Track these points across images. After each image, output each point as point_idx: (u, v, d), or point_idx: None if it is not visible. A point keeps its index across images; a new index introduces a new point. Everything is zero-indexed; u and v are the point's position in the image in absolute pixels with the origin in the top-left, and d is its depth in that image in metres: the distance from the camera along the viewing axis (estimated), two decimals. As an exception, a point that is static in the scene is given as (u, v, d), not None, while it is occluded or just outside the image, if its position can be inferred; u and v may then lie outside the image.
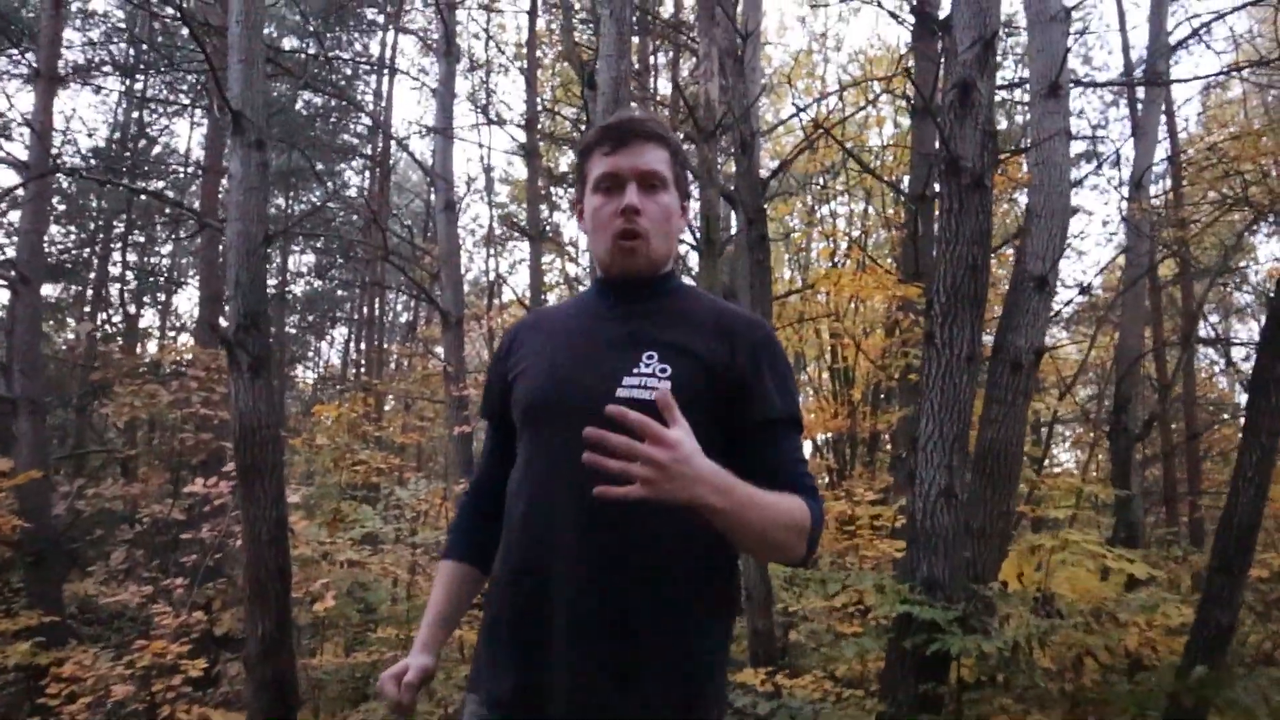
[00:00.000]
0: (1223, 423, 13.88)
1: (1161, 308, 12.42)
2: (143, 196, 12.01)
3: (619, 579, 1.41)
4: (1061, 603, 4.97)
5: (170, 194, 17.47)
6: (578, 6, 12.27)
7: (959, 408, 4.24)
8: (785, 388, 1.53)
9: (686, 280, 1.92)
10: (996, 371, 5.29)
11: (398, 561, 8.09)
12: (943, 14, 7.25)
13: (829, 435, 12.45)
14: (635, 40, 12.55)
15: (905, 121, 12.90)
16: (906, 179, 9.71)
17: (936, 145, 7.70)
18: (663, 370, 1.46)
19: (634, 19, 11.54)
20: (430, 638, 1.63)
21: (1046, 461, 11.35)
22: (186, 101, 14.98)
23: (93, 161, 14.39)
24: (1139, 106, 10.54)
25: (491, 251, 16.91)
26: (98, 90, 16.31)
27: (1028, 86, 11.23)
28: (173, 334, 18.09)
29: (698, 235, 5.84)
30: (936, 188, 8.02)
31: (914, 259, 7.52)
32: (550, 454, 1.50)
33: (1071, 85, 6.38)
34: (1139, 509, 9.48)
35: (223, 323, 5.99)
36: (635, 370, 1.47)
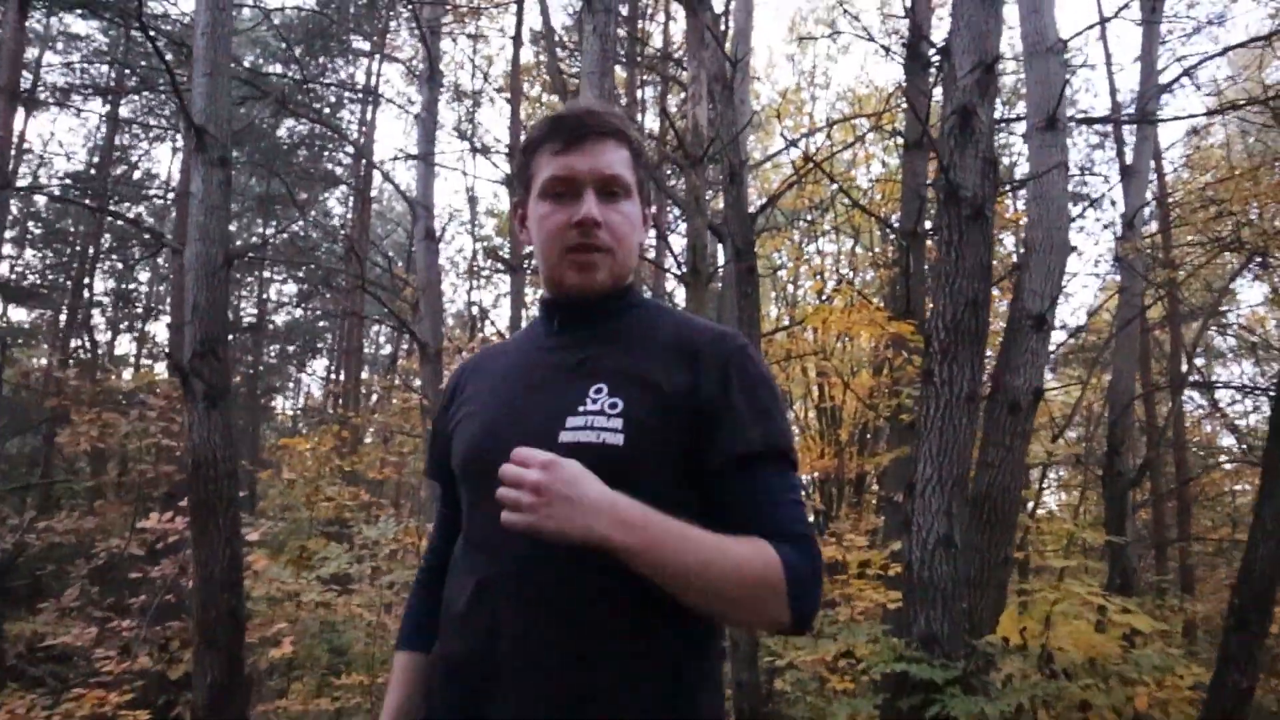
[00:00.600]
0: (1213, 467, 13.72)
1: (1149, 350, 12.31)
2: (116, 221, 11.70)
3: (578, 663, 1.16)
4: (1064, 659, 4.70)
5: (150, 219, 17.24)
6: (566, 39, 12.16)
7: (959, 450, 3.99)
8: (763, 413, 1.24)
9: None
10: (994, 413, 5.06)
11: (367, 603, 7.72)
12: (935, 48, 7.12)
13: (815, 476, 12.20)
14: (623, 75, 12.45)
15: (893, 161, 12.83)
16: (896, 216, 9.57)
17: (930, 177, 7.57)
18: (613, 406, 1.21)
19: (621, 49, 11.43)
20: None
21: (1032, 505, 11.11)
22: (167, 125, 14.77)
23: (68, 183, 14.10)
24: (1126, 149, 10.47)
25: (475, 283, 16.66)
26: (78, 113, 16.12)
27: (1015, 125, 11.21)
28: (149, 361, 17.74)
29: (683, 266, 5.60)
30: (928, 224, 7.87)
31: (905, 296, 7.32)
32: (489, 519, 1.23)
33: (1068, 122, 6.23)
34: (1133, 555, 9.27)
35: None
36: (582, 409, 1.22)
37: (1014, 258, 12.09)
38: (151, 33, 5.17)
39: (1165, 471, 12.80)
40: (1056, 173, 5.26)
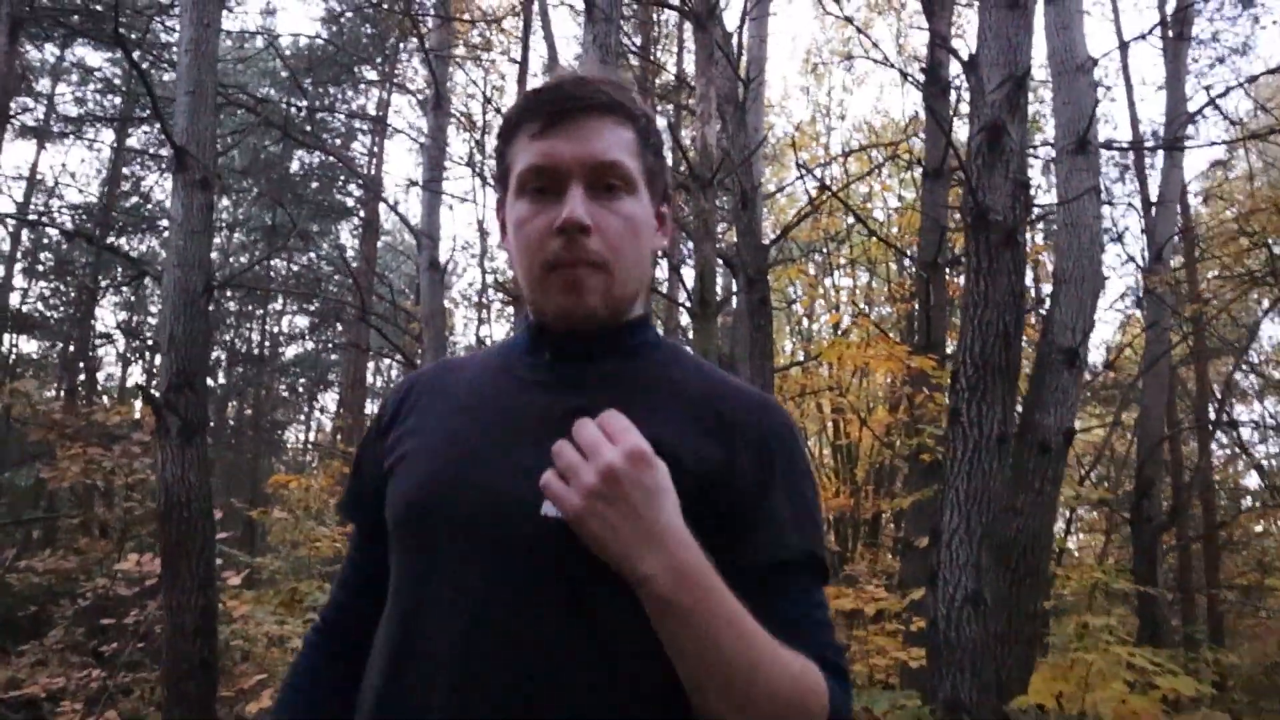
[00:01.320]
0: (1247, 510, 13.24)
1: (1175, 388, 11.89)
2: (110, 251, 11.59)
3: None
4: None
5: (162, 252, 17.20)
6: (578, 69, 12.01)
7: (988, 496, 3.64)
8: (805, 512, 0.96)
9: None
10: (1023, 455, 4.73)
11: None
12: (957, 69, 6.85)
13: (831, 514, 11.80)
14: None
15: (910, 194, 12.57)
16: (913, 249, 9.29)
17: (950, 205, 7.27)
18: None
19: (634, 75, 11.25)
20: None
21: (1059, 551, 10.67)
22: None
23: (70, 214, 14.05)
24: (1151, 181, 10.20)
25: (484, 316, 16.44)
26: (90, 145, 16.13)
27: (1038, 150, 10.94)
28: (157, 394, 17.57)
29: (691, 296, 5.31)
30: (950, 255, 7.57)
31: (925, 329, 7.00)
32: (430, 591, 0.94)
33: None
34: (1164, 605, 8.84)
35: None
36: None
37: (1033, 292, 11.78)
38: (118, 41, 4.94)
39: (1195, 515, 12.34)
40: (1088, 198, 4.95)
